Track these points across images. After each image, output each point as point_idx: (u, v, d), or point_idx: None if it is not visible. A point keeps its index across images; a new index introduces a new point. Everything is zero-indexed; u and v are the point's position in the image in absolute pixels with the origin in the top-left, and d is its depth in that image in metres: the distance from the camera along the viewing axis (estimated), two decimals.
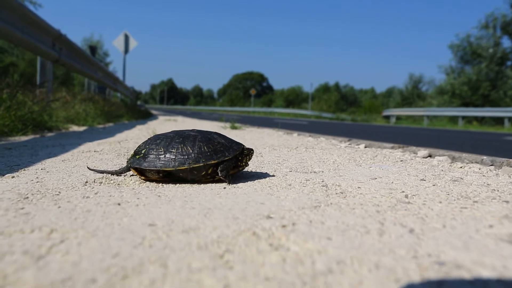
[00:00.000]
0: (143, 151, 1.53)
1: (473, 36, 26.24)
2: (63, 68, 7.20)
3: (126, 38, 14.48)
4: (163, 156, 1.48)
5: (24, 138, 3.40)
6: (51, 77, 6.02)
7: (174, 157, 1.48)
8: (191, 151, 1.49)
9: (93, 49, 13.73)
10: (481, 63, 25.09)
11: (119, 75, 21.05)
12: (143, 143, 1.61)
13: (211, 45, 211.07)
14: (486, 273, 0.69)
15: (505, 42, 26.20)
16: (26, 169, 1.76)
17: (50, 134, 4.01)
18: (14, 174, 1.61)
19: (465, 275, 0.68)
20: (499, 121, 18.76)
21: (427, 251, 0.78)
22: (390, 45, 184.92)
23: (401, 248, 0.80)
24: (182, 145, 1.50)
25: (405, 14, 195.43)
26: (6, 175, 1.57)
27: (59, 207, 1.11)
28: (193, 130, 1.63)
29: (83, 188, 1.39)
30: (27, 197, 1.21)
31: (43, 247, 0.77)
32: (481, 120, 20.57)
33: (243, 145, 1.63)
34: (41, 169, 1.78)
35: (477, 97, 24.48)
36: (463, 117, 19.29)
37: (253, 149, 1.70)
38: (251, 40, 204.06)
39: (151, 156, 1.50)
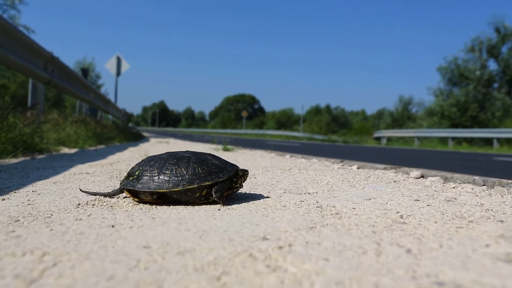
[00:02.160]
0: (136, 173, 1.52)
1: (460, 59, 26.87)
2: (54, 90, 7.19)
3: (118, 61, 14.55)
4: (157, 177, 1.47)
5: (14, 161, 3.36)
6: (43, 99, 6.01)
7: (168, 178, 1.46)
8: (185, 172, 1.48)
9: (85, 71, 13.77)
10: (469, 85, 25.58)
11: (111, 97, 21.05)
12: (137, 164, 1.60)
13: (203, 67, 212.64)
14: None
15: (492, 65, 26.80)
16: (16, 191, 1.73)
17: (40, 156, 3.98)
18: (5, 197, 1.58)
19: None
20: (488, 142, 18.99)
21: (425, 271, 0.78)
22: (380, 67, 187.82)
23: (399, 268, 0.79)
24: (176, 167, 1.49)
25: (395, 37, 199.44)
26: None
27: (51, 229, 1.09)
28: (187, 152, 1.62)
29: (76, 210, 1.37)
30: (18, 220, 1.19)
31: (35, 271, 0.76)
32: (470, 141, 20.81)
33: (238, 166, 1.62)
34: (32, 191, 1.75)
35: (466, 119, 24.84)
36: (453, 138, 19.50)
37: (248, 170, 1.70)
38: (243, 62, 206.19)
39: (145, 177, 1.49)
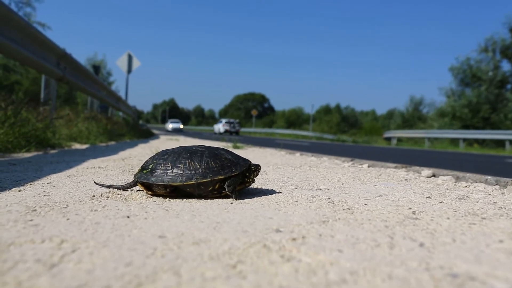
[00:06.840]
0: (150, 166, 1.54)
1: (473, 59, 26.55)
2: (66, 86, 7.27)
3: (129, 58, 14.65)
4: (171, 171, 1.49)
5: (27, 155, 3.41)
6: (55, 95, 6.07)
7: (181, 172, 1.48)
8: (198, 166, 1.49)
9: (96, 68, 13.88)
10: (481, 86, 25.29)
11: (122, 94, 21.24)
12: (151, 158, 1.61)
13: (213, 66, 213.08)
14: (500, 286, 0.68)
15: (505, 66, 26.42)
16: (32, 183, 1.77)
17: (53, 151, 4.03)
18: (21, 188, 1.61)
19: (479, 287, 0.68)
20: (500, 143, 18.78)
21: (439, 264, 0.78)
22: (391, 67, 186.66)
23: (412, 261, 0.80)
24: (189, 161, 1.51)
25: (406, 36, 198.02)
26: (13, 189, 1.58)
27: (68, 219, 1.11)
28: (200, 146, 1.64)
29: (91, 201, 1.39)
30: (35, 210, 1.21)
31: (55, 256, 0.77)
32: (482, 142, 20.60)
33: (250, 161, 1.64)
34: (47, 183, 1.78)
35: (478, 120, 24.57)
36: (464, 140, 19.30)
37: (260, 165, 1.70)
38: (253, 61, 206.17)
39: (159, 171, 1.50)
